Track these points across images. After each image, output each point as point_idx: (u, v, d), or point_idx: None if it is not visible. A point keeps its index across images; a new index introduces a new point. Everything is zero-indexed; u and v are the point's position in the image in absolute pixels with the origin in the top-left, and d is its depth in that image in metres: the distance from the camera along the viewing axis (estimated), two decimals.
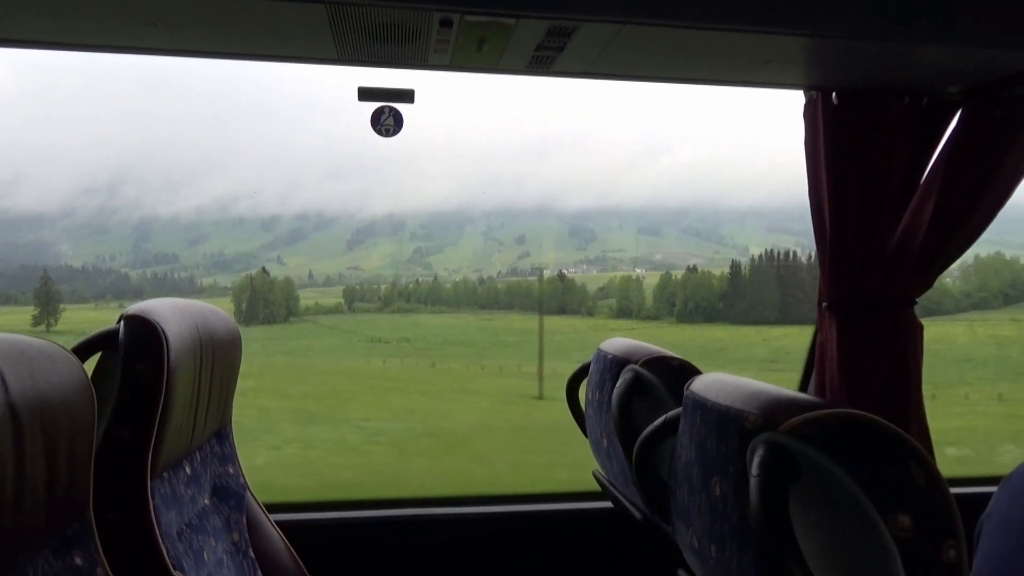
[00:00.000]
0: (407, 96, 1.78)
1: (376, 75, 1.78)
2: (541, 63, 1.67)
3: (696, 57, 1.69)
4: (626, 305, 35.30)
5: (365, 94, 1.77)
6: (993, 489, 1.35)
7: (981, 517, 1.32)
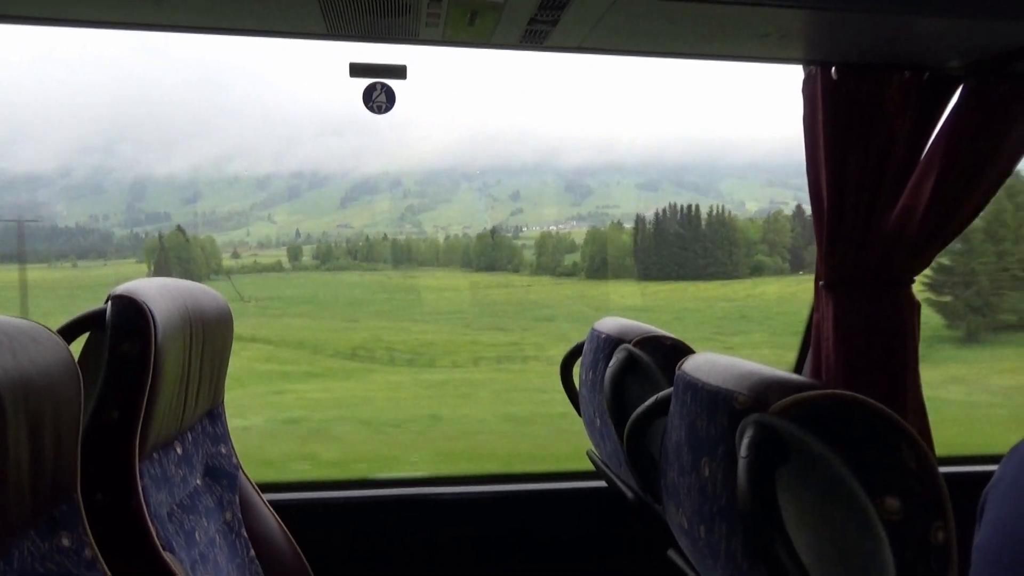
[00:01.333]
0: (399, 72, 1.75)
1: (369, 53, 1.76)
2: (534, 37, 1.64)
3: (692, 31, 1.66)
4: (545, 262, 35.53)
5: (357, 70, 1.74)
6: (987, 468, 1.35)
7: (986, 487, 1.32)
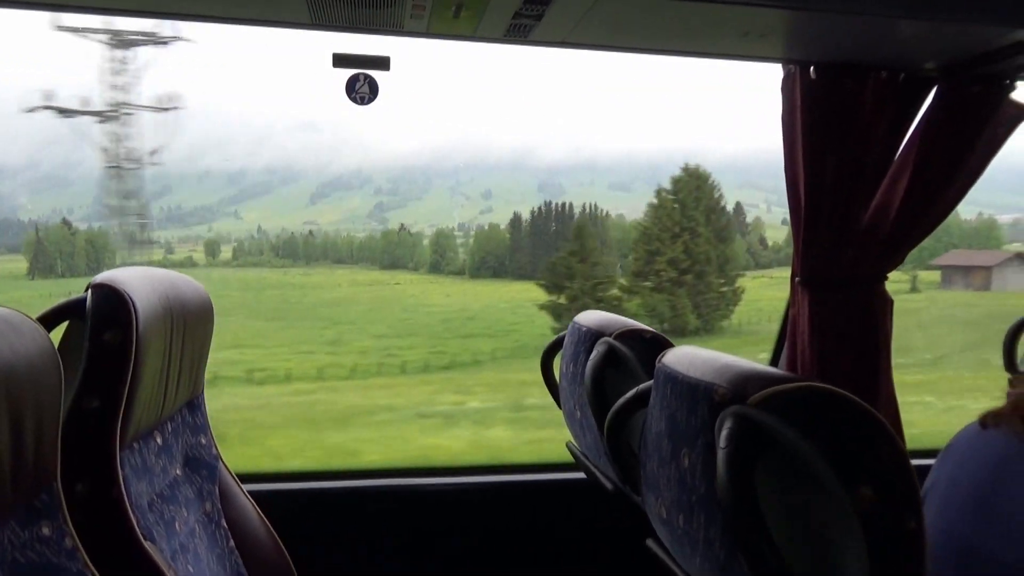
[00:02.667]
0: (382, 63, 1.75)
1: (351, 44, 1.75)
2: (519, 31, 1.65)
3: (674, 28, 1.67)
4: (437, 260, 35.70)
5: (340, 60, 1.73)
6: (930, 462, 1.39)
7: (923, 487, 1.35)
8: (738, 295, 23.20)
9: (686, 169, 23.77)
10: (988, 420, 1.26)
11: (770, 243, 33.42)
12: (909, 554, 0.82)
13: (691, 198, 23.47)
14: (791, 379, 0.91)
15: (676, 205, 23.31)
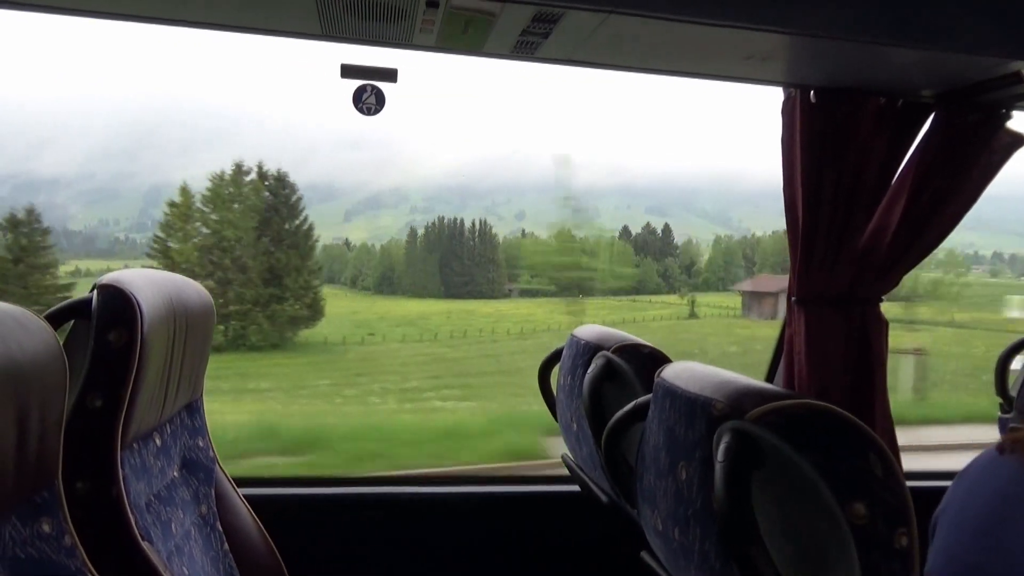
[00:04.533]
0: (390, 75, 1.77)
1: (365, 56, 1.78)
2: (525, 48, 1.67)
3: (678, 50, 1.70)
4: (356, 275, 35.93)
5: (348, 71, 1.76)
6: (947, 484, 1.40)
7: (936, 511, 1.37)
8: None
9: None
10: (1006, 446, 1.26)
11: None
12: (901, 571, 0.84)
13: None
14: (788, 396, 0.93)
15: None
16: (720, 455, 0.89)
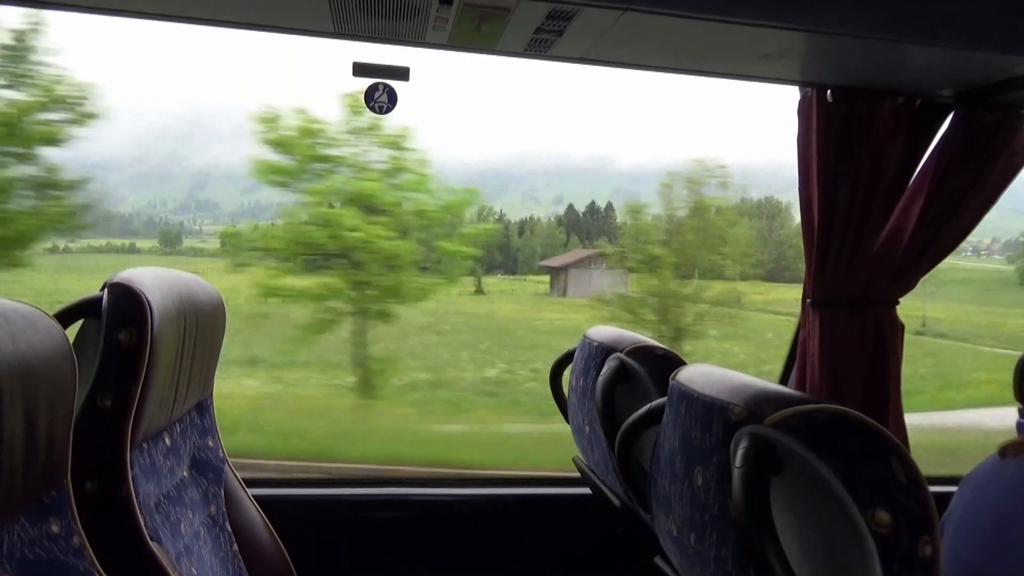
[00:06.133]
0: (402, 74, 1.76)
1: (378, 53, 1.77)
2: (539, 46, 1.66)
3: (694, 48, 1.68)
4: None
5: (360, 69, 1.75)
6: (951, 489, 1.38)
7: (943, 516, 1.35)
8: None
9: None
10: (1008, 450, 1.25)
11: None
12: None
13: None
14: (808, 400, 0.91)
15: None
16: (738, 460, 0.88)
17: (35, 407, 0.83)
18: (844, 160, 1.93)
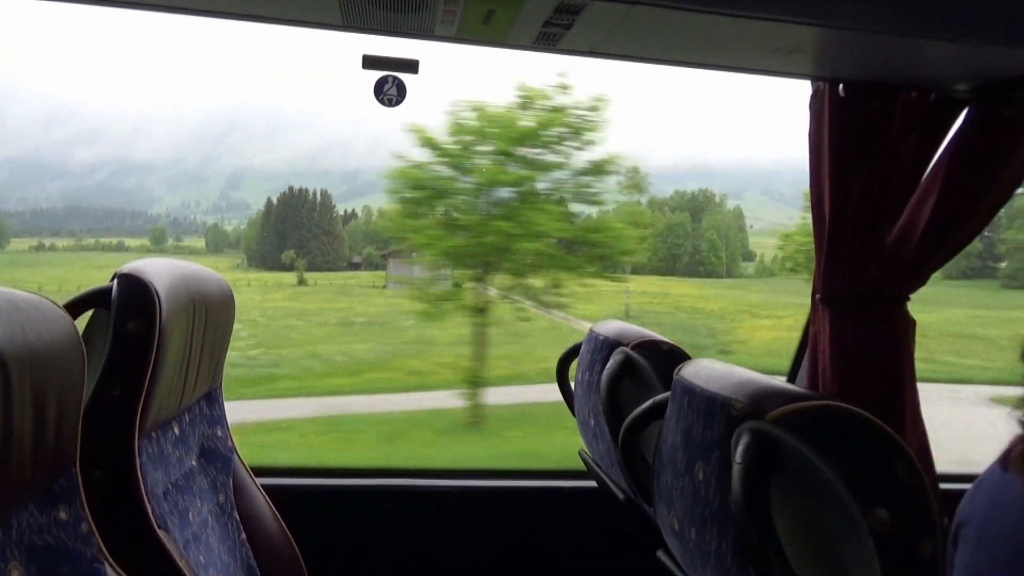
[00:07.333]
0: (411, 66, 1.76)
1: (386, 47, 1.77)
2: (548, 40, 1.65)
3: (704, 42, 1.67)
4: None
5: (369, 62, 1.75)
6: (964, 487, 1.36)
7: (956, 519, 1.32)
8: None
9: None
10: (1013, 463, 1.18)
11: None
12: None
13: None
14: (810, 396, 0.90)
15: None
16: (738, 456, 0.88)
17: (44, 396, 0.84)
18: (856, 156, 1.91)
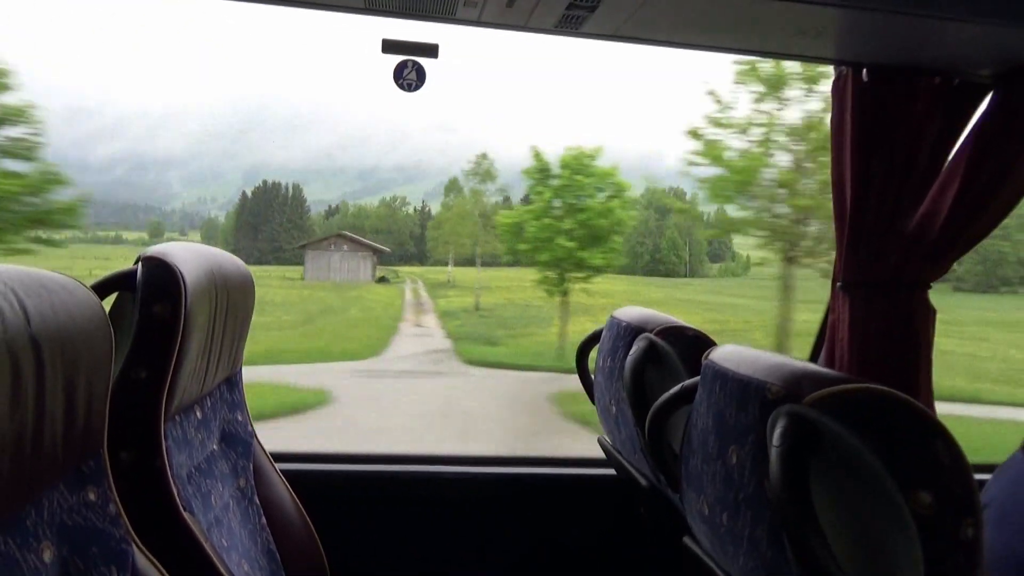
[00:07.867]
0: (431, 51, 1.75)
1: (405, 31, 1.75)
2: (571, 22, 1.64)
3: (728, 24, 1.65)
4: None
5: (389, 46, 1.74)
6: (984, 477, 1.35)
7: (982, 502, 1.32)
8: None
9: None
10: None
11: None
12: (966, 563, 0.80)
13: None
14: (847, 380, 0.90)
15: None
16: (776, 440, 0.87)
17: (75, 377, 0.83)
18: (879, 140, 1.89)
